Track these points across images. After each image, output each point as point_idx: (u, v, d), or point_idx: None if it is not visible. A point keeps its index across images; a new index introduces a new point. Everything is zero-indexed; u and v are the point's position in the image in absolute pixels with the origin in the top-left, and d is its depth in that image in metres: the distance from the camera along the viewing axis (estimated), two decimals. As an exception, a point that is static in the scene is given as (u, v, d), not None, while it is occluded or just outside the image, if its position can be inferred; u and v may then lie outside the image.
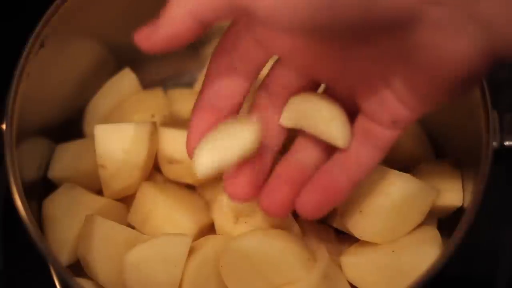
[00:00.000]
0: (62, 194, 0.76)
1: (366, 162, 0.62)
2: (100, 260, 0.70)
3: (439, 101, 0.58)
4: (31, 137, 0.76)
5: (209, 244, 0.71)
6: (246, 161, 0.63)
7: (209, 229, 0.76)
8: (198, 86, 0.86)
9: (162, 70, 0.90)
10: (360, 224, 0.71)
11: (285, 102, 0.65)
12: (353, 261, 0.71)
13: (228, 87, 0.64)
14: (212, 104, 0.63)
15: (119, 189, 0.75)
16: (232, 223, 0.73)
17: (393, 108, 0.59)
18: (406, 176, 0.70)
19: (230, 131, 0.60)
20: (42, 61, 0.73)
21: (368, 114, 0.61)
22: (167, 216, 0.73)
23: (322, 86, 0.66)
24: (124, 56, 0.86)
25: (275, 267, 0.68)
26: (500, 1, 0.50)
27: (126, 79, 0.85)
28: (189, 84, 0.89)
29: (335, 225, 0.76)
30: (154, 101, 0.84)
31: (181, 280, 0.69)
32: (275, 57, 0.64)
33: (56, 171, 0.80)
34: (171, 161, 0.76)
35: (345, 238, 0.76)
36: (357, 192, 0.71)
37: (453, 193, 0.74)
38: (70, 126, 0.84)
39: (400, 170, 0.71)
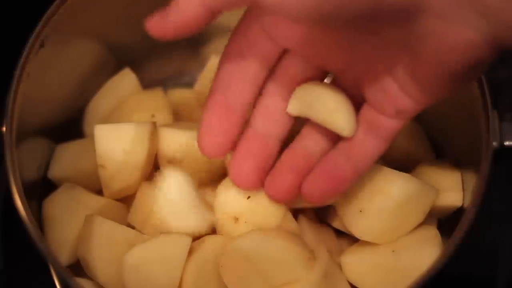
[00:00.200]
0: (62, 194, 0.76)
1: (371, 151, 0.63)
2: (100, 260, 0.70)
3: (442, 92, 0.58)
4: (31, 137, 0.76)
5: (209, 244, 0.71)
6: (251, 149, 0.64)
7: (209, 229, 0.76)
8: (198, 86, 0.86)
9: (162, 70, 0.90)
10: (360, 224, 0.71)
11: (291, 91, 0.66)
12: (353, 261, 0.71)
13: (238, 76, 0.64)
14: (223, 91, 0.64)
15: (119, 189, 0.75)
16: (232, 223, 0.73)
17: (397, 98, 0.59)
18: (406, 176, 0.70)
19: None
20: (42, 61, 0.73)
21: (372, 103, 0.61)
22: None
23: (329, 77, 0.67)
24: (124, 56, 0.86)
25: (275, 267, 0.68)
26: None
27: (126, 79, 0.85)
28: (189, 84, 0.89)
29: (335, 225, 0.76)
30: (154, 101, 0.84)
31: (181, 280, 0.69)
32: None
33: (56, 171, 0.80)
34: (171, 161, 0.76)
35: (345, 238, 0.76)
36: (357, 192, 0.71)
37: (453, 193, 0.74)
38: (70, 126, 0.84)
39: (400, 170, 0.71)
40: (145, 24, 0.56)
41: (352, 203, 0.71)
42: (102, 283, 0.70)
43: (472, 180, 0.71)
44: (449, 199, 0.74)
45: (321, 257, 0.68)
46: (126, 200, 0.76)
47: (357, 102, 0.63)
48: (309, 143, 0.66)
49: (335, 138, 0.65)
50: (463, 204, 0.74)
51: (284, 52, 0.64)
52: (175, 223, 0.72)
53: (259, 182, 0.67)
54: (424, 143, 0.81)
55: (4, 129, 0.69)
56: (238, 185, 0.67)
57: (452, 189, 0.74)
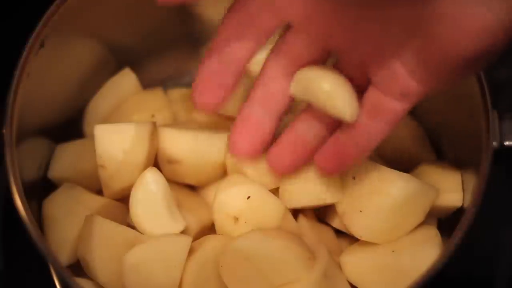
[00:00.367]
0: (62, 194, 0.76)
1: (375, 134, 0.62)
2: (100, 260, 0.70)
3: (450, 78, 0.56)
4: (31, 137, 0.76)
5: (209, 244, 0.71)
6: (250, 124, 0.65)
7: (209, 229, 0.76)
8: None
9: (162, 70, 0.90)
10: (360, 224, 0.71)
11: (294, 71, 0.65)
12: (353, 261, 0.71)
13: (234, 47, 0.64)
14: (219, 52, 0.64)
15: (119, 189, 0.75)
16: (232, 223, 0.73)
17: (403, 80, 0.58)
18: (406, 176, 0.70)
19: None
20: (42, 61, 0.73)
21: (378, 85, 0.60)
22: None
23: (332, 61, 0.66)
24: (124, 56, 0.86)
25: (275, 267, 0.68)
26: None
27: (126, 79, 0.85)
28: (189, 84, 0.88)
29: (335, 225, 0.76)
30: (154, 101, 0.84)
31: (181, 280, 0.69)
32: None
33: (56, 171, 0.80)
34: (171, 161, 0.76)
35: (345, 238, 0.76)
36: (357, 192, 0.71)
37: (453, 193, 0.74)
38: (70, 126, 0.84)
39: (400, 170, 0.71)
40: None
41: (352, 203, 0.71)
42: (102, 283, 0.70)
43: (472, 180, 0.71)
44: (449, 199, 0.74)
45: (321, 257, 0.68)
46: (126, 200, 0.76)
47: (362, 85, 0.62)
48: (308, 128, 0.67)
49: (335, 123, 0.65)
50: (463, 204, 0.74)
51: (287, 29, 0.63)
52: (147, 224, 0.72)
53: (252, 153, 0.69)
54: (424, 143, 0.81)
55: (4, 129, 0.69)
56: (232, 151, 0.69)
57: (452, 189, 0.74)
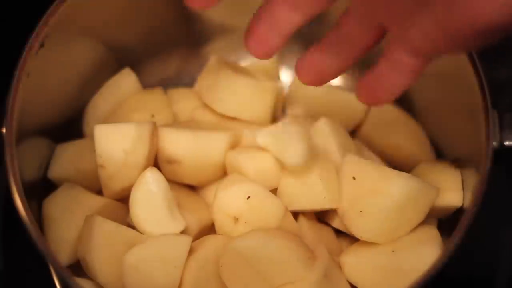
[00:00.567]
0: (62, 194, 0.76)
1: (395, 84, 0.62)
2: (99, 260, 0.70)
3: (465, 44, 0.55)
4: (31, 137, 0.76)
5: (209, 244, 0.71)
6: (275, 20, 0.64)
7: (209, 229, 0.76)
8: (198, 86, 0.86)
9: (162, 70, 0.90)
10: (360, 224, 0.71)
11: None
12: (353, 261, 0.71)
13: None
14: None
15: (119, 189, 0.75)
16: (232, 223, 0.73)
17: (418, 40, 0.57)
18: (406, 176, 0.70)
19: None
20: (42, 61, 0.73)
21: (393, 39, 0.60)
22: None
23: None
24: (124, 56, 0.86)
25: (275, 267, 0.68)
26: None
27: (126, 79, 0.85)
28: (189, 84, 0.89)
29: (335, 225, 0.76)
30: (154, 101, 0.84)
31: (181, 280, 0.69)
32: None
33: (56, 171, 0.80)
34: (171, 161, 0.76)
35: (345, 238, 0.76)
36: (357, 192, 0.71)
37: (453, 193, 0.74)
38: (70, 126, 0.84)
39: (400, 170, 0.71)
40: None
41: (352, 203, 0.71)
42: (102, 283, 0.70)
43: (472, 180, 0.71)
44: (449, 199, 0.74)
45: (321, 257, 0.68)
46: (126, 200, 0.76)
47: (379, 33, 0.62)
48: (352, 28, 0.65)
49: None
50: (463, 204, 0.74)
51: None
52: (147, 224, 0.72)
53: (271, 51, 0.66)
54: (424, 143, 0.81)
55: (4, 129, 0.69)
56: (254, 52, 0.66)
57: (452, 189, 0.74)
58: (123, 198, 0.76)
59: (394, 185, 0.69)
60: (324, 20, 0.87)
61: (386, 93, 0.63)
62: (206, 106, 0.82)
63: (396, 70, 0.61)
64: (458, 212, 0.73)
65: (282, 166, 0.75)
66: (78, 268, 0.72)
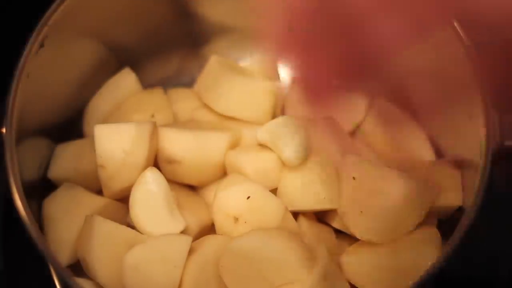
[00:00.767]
0: (62, 194, 0.76)
1: None
2: (100, 260, 0.70)
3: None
4: (31, 137, 0.76)
5: (209, 244, 0.71)
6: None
7: (209, 229, 0.76)
8: (198, 86, 0.86)
9: (162, 70, 0.90)
10: (360, 224, 0.71)
11: None
12: (353, 261, 0.71)
13: None
14: None
15: (119, 189, 0.75)
16: (232, 223, 0.73)
17: None
18: (406, 176, 0.70)
19: None
20: (42, 61, 0.73)
21: None
22: None
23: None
24: (124, 56, 0.86)
25: (275, 267, 0.68)
26: None
27: (126, 79, 0.85)
28: (189, 84, 0.89)
29: (335, 225, 0.76)
30: (154, 101, 0.84)
31: (181, 280, 0.69)
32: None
33: (56, 171, 0.80)
34: (171, 161, 0.76)
35: (345, 238, 0.76)
36: (357, 192, 0.71)
37: (453, 193, 0.74)
38: (70, 126, 0.84)
39: (400, 170, 0.71)
40: None
41: (352, 203, 0.71)
42: (102, 283, 0.70)
43: (472, 180, 0.71)
44: (449, 199, 0.74)
45: (321, 257, 0.68)
46: (126, 200, 0.76)
47: None
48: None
49: None
50: (463, 204, 0.74)
51: None
52: (147, 224, 0.72)
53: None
54: (424, 143, 0.81)
55: (4, 129, 0.69)
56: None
57: (452, 189, 0.74)
58: (123, 198, 0.76)
59: (394, 185, 0.69)
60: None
61: None
62: (206, 106, 0.82)
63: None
64: (458, 212, 0.73)
65: (282, 165, 0.75)
66: (78, 268, 0.72)
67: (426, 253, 0.68)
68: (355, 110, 0.84)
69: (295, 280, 0.68)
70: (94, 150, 0.74)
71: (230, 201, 0.73)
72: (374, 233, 0.70)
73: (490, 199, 0.66)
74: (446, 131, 0.80)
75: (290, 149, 0.73)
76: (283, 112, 0.87)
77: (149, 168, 0.73)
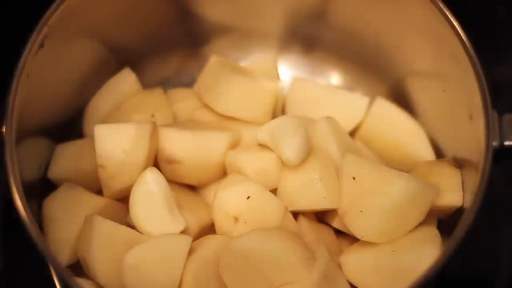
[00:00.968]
0: (62, 194, 0.76)
1: None
2: (100, 260, 0.70)
3: None
4: (31, 137, 0.76)
5: (209, 244, 0.71)
6: None
7: (209, 229, 0.76)
8: (198, 86, 0.86)
9: (162, 70, 0.90)
10: (360, 224, 0.71)
11: None
12: (353, 261, 0.71)
13: None
14: None
15: (119, 190, 0.75)
16: (232, 223, 0.73)
17: None
18: (406, 176, 0.70)
19: None
20: (42, 61, 0.73)
21: None
22: None
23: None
24: (124, 56, 0.86)
25: (275, 267, 0.68)
26: None
27: (126, 79, 0.85)
28: (189, 84, 0.89)
29: (335, 225, 0.76)
30: (154, 101, 0.84)
31: (181, 280, 0.69)
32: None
33: (56, 171, 0.80)
34: (171, 161, 0.76)
35: (345, 238, 0.76)
36: (357, 192, 0.71)
37: (453, 193, 0.74)
38: (70, 126, 0.84)
39: (400, 170, 0.71)
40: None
41: (352, 203, 0.71)
42: (102, 283, 0.70)
43: (472, 180, 0.71)
44: (449, 199, 0.74)
45: (321, 257, 0.68)
46: (126, 200, 0.76)
47: None
48: None
49: None
50: (463, 204, 0.74)
51: None
52: (147, 224, 0.72)
53: None
54: (424, 143, 0.81)
55: (4, 129, 0.69)
56: None
57: (452, 189, 0.74)
58: (123, 198, 0.76)
59: (394, 185, 0.69)
60: (324, 20, 0.87)
61: None
62: (206, 106, 0.82)
63: None
64: (458, 212, 0.73)
65: (282, 165, 0.75)
66: (78, 268, 0.72)
67: (426, 253, 0.68)
68: (355, 110, 0.84)
69: (295, 280, 0.68)
70: (94, 150, 0.74)
71: (230, 201, 0.73)
72: (374, 233, 0.70)
73: (490, 199, 0.66)
74: (446, 131, 0.80)
75: (290, 149, 0.73)
76: (283, 112, 0.87)
77: (149, 168, 0.73)
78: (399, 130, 0.82)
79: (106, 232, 0.71)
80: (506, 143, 0.70)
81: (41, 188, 0.78)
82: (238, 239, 0.69)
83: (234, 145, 0.79)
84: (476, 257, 0.80)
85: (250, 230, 0.71)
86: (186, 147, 0.76)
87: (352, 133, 0.84)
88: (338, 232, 0.76)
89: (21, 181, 0.67)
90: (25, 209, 0.65)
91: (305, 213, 0.76)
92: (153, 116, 0.82)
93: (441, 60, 0.76)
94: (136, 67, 0.86)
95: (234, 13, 0.87)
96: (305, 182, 0.73)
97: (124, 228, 0.72)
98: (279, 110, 0.86)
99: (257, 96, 0.81)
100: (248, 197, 0.72)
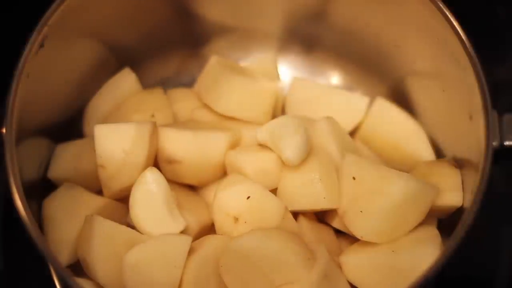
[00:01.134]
0: (62, 194, 0.76)
1: None
2: (100, 260, 0.70)
3: None
4: (31, 137, 0.76)
5: (209, 244, 0.71)
6: None
7: (209, 229, 0.76)
8: (198, 86, 0.86)
9: (162, 70, 0.90)
10: (360, 224, 0.71)
11: None
12: (353, 261, 0.71)
13: None
14: None
15: (119, 190, 0.75)
16: (232, 223, 0.73)
17: None
18: (406, 176, 0.70)
19: None
20: (42, 61, 0.73)
21: None
22: None
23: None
24: (124, 56, 0.86)
25: (275, 267, 0.68)
26: None
27: (126, 79, 0.85)
28: (189, 84, 0.89)
29: (335, 225, 0.76)
30: (154, 101, 0.84)
31: (181, 280, 0.69)
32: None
33: (56, 171, 0.80)
34: (171, 161, 0.76)
35: (345, 238, 0.76)
36: (357, 192, 0.71)
37: (453, 193, 0.74)
38: (70, 126, 0.84)
39: (400, 170, 0.71)
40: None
41: (352, 203, 0.71)
42: (102, 283, 0.70)
43: (472, 180, 0.71)
44: (449, 199, 0.74)
45: (321, 257, 0.68)
46: (126, 200, 0.76)
47: None
48: None
49: None
50: (463, 204, 0.74)
51: None
52: (147, 224, 0.72)
53: None
54: (424, 143, 0.81)
55: (4, 129, 0.69)
56: None
57: (452, 189, 0.74)
58: (123, 198, 0.76)
59: (394, 185, 0.69)
60: (324, 20, 0.87)
61: None
62: (206, 106, 0.82)
63: None
64: (458, 212, 0.73)
65: (282, 165, 0.75)
66: (78, 268, 0.72)
67: (426, 253, 0.68)
68: (355, 110, 0.84)
69: (295, 280, 0.68)
70: (94, 150, 0.74)
71: (230, 201, 0.73)
72: (374, 233, 0.70)
73: (490, 199, 0.66)
74: (446, 131, 0.80)
75: (290, 149, 0.73)
76: (283, 112, 0.87)
77: (149, 168, 0.73)
78: (399, 130, 0.82)
79: (106, 232, 0.71)
80: (506, 143, 0.70)
81: (41, 188, 0.78)
82: (238, 239, 0.69)
83: (234, 145, 0.79)
84: (476, 257, 0.80)
85: (250, 230, 0.71)
86: (186, 147, 0.76)
87: (352, 133, 0.84)
88: (338, 232, 0.76)
89: (21, 181, 0.67)
90: (25, 209, 0.65)
91: (305, 213, 0.76)
92: (153, 116, 0.82)
93: (441, 60, 0.76)
94: (136, 67, 0.86)
95: (234, 13, 0.87)
96: (305, 182, 0.73)
97: (124, 228, 0.72)
98: (279, 110, 0.86)
99: (257, 96, 0.81)
100: (248, 197, 0.72)
